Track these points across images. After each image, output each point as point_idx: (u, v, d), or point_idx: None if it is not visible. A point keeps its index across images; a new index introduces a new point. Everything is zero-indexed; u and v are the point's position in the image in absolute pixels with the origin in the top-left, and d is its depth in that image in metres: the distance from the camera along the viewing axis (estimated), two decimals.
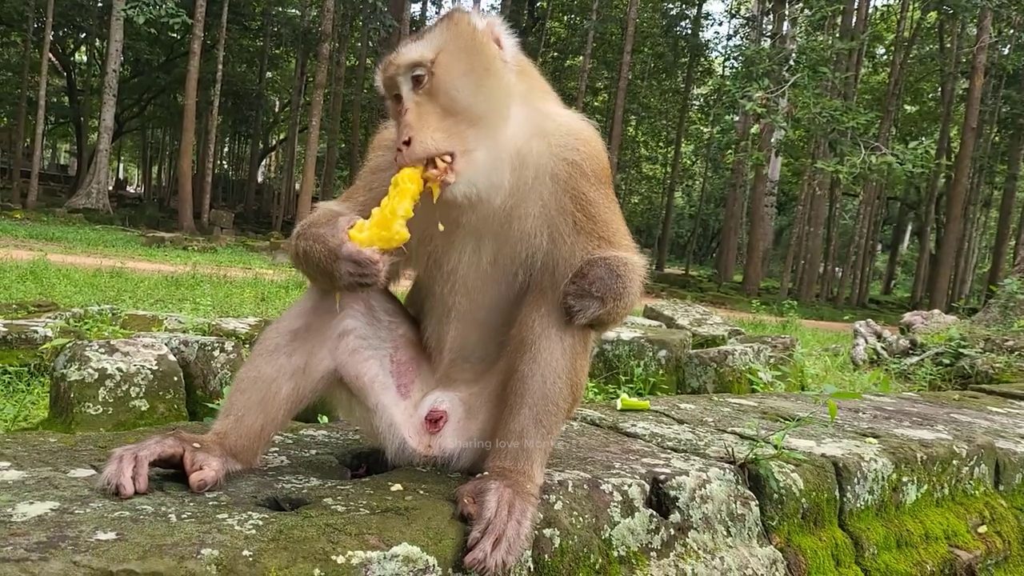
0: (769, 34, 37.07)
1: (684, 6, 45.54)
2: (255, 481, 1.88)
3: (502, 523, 1.71)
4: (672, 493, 2.19)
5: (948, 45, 37.69)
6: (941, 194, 39.77)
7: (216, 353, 5.16)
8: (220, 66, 33.29)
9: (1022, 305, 11.64)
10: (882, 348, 11.06)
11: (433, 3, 42.98)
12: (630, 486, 2.11)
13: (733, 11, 51.41)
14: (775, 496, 2.39)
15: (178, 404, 4.81)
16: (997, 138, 39.74)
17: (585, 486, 2.04)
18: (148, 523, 1.53)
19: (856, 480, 2.62)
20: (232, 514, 1.63)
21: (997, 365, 9.11)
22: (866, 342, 11.32)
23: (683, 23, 45.92)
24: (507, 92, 1.90)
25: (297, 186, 40.49)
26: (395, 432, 2.02)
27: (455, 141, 1.80)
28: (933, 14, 35.61)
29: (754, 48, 30.20)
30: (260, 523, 1.60)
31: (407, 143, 1.78)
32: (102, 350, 4.65)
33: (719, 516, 2.25)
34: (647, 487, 2.16)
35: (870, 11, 38.31)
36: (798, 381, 7.96)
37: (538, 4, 44.72)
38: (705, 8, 51.68)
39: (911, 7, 36.02)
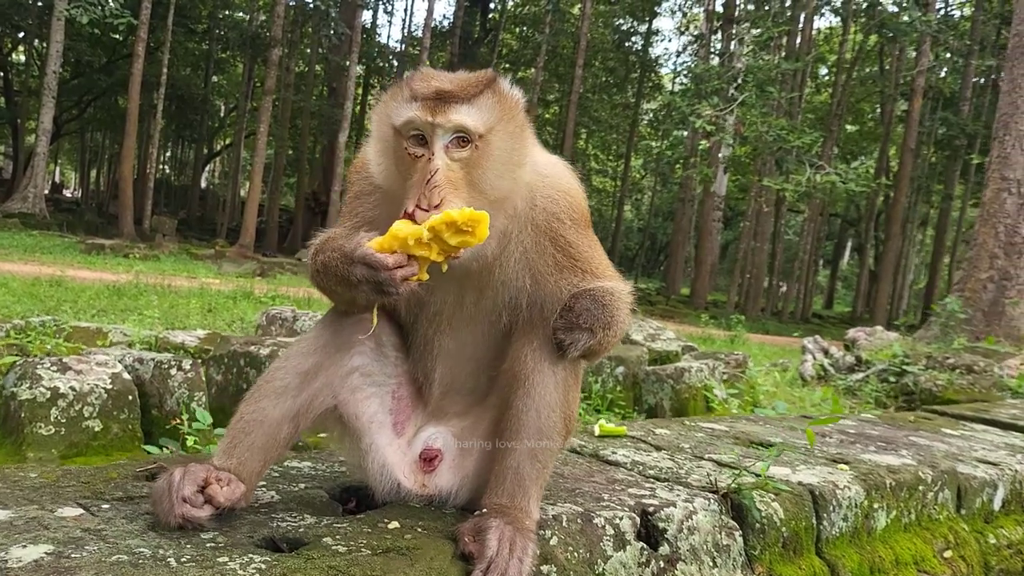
0: (717, 52, 37.80)
1: (635, 22, 46.21)
2: (249, 520, 1.84)
3: (504, 561, 1.71)
4: (661, 525, 2.21)
5: (888, 68, 38.93)
6: (880, 212, 40.96)
7: (173, 372, 5.02)
8: (165, 69, 32.57)
9: (962, 324, 12.05)
10: (829, 364, 11.31)
11: (385, 12, 42.87)
12: (621, 519, 2.12)
13: (682, 28, 52.29)
14: (757, 526, 2.43)
15: (132, 425, 4.65)
16: (934, 158, 41.11)
17: (579, 520, 2.05)
18: (148, 568, 1.49)
19: (832, 508, 2.67)
20: (232, 557, 1.60)
21: (939, 382, 9.38)
22: (814, 358, 11.56)
23: (634, 39, 46.60)
24: (527, 173, 1.92)
25: (243, 192, 39.80)
26: (387, 474, 2.00)
27: None
28: (874, 37, 36.72)
29: (703, 66, 30.78)
30: (263, 567, 1.56)
31: (437, 206, 1.71)
32: (54, 368, 4.48)
33: (705, 547, 2.28)
34: (637, 520, 2.18)
35: (814, 33, 39.34)
36: (751, 398, 8.08)
37: (491, 16, 44.91)
38: (655, 25, 52.52)
39: (853, 30, 37.12)
